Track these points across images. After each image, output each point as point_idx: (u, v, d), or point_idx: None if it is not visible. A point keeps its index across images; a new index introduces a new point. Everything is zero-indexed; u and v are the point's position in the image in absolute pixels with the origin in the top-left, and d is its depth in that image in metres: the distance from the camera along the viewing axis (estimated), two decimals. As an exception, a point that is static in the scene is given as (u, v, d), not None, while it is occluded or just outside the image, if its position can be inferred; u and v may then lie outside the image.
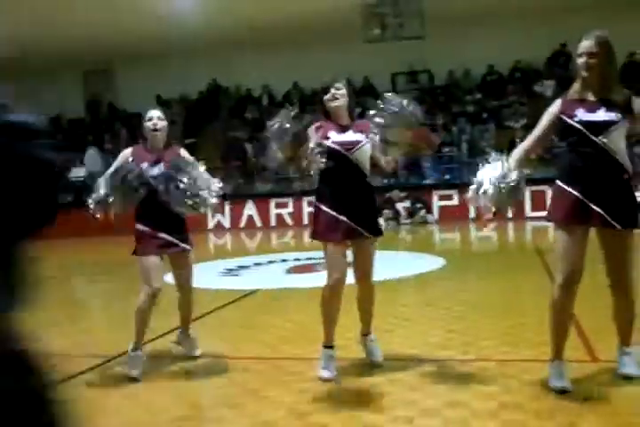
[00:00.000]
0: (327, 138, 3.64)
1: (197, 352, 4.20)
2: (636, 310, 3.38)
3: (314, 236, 3.70)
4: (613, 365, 3.48)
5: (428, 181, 15.75)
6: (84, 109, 22.06)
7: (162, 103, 21.26)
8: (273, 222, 16.56)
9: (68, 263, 11.29)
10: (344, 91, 3.72)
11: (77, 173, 18.37)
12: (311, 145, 3.43)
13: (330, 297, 3.64)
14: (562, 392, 3.17)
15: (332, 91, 3.69)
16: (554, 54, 17.37)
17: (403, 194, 14.76)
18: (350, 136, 3.66)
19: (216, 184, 3.70)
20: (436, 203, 14.96)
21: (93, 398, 3.52)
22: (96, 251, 13.50)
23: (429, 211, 14.83)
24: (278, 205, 16.50)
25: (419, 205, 14.70)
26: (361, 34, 16.61)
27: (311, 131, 3.65)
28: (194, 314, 4.25)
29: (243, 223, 16.75)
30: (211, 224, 16.94)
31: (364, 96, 19.41)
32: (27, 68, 21.01)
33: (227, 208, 16.93)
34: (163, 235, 3.89)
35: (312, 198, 3.86)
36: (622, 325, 3.42)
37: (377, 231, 3.72)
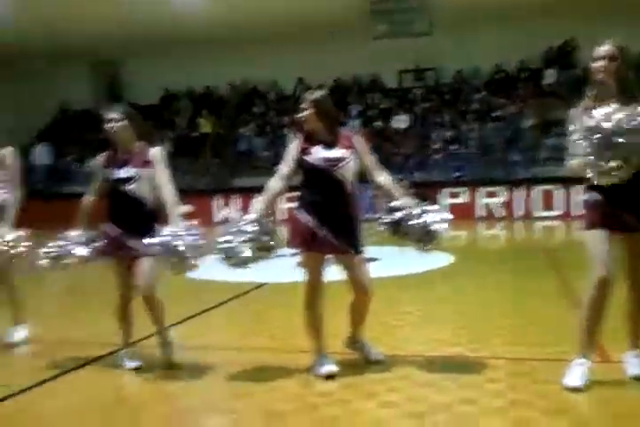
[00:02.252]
0: (310, 153, 3.62)
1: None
2: None
3: (293, 245, 3.66)
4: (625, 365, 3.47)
5: (436, 179, 15.69)
6: (91, 101, 22.01)
7: (169, 96, 21.30)
8: (280, 216, 16.55)
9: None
10: (309, 110, 3.64)
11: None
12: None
13: (307, 306, 3.69)
14: (574, 391, 3.17)
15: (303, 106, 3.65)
16: (559, 49, 17.44)
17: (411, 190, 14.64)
18: (335, 153, 3.63)
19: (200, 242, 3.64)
20: (445, 200, 14.92)
21: (107, 384, 3.55)
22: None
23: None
24: (288, 199, 16.47)
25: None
26: (368, 30, 16.55)
27: (292, 145, 3.68)
28: (202, 306, 4.25)
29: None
30: (219, 218, 16.99)
31: (371, 93, 19.41)
32: (34, 61, 21.08)
33: (235, 202, 16.97)
34: (125, 238, 3.80)
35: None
36: (634, 326, 3.42)
37: (359, 249, 3.66)
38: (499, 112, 16.89)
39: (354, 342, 3.91)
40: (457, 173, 15.70)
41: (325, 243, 3.57)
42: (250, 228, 3.52)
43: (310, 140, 3.67)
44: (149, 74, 21.08)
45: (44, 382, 3.69)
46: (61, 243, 3.91)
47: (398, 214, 3.59)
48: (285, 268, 8.00)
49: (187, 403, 3.31)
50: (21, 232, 4.31)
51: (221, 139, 19.48)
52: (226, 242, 3.51)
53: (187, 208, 4.27)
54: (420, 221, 3.55)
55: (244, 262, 3.53)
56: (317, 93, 3.70)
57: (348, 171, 3.63)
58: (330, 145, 3.64)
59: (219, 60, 20.15)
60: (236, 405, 3.24)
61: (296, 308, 4.90)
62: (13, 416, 3.23)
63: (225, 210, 10.91)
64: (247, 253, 3.47)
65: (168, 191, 3.78)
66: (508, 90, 17.42)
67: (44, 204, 15.76)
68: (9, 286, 4.55)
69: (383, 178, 3.72)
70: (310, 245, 3.59)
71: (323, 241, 3.56)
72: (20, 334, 4.57)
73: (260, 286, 6.67)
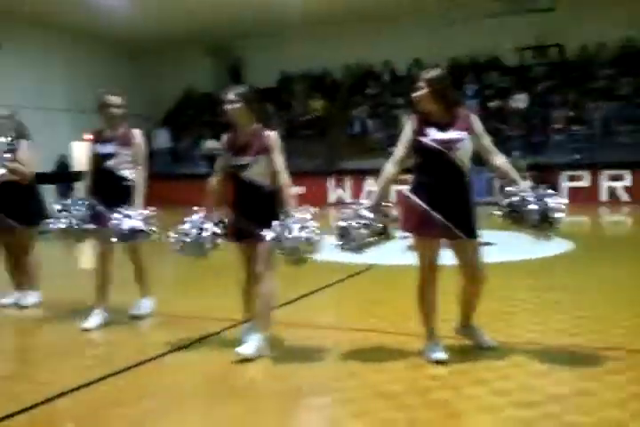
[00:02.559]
0: (425, 135, 3.53)
1: None
2: None
3: (405, 229, 3.61)
4: None
5: (556, 161, 15.04)
6: (212, 85, 22.73)
7: (285, 79, 21.62)
8: (393, 198, 16.52)
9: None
10: (423, 89, 3.53)
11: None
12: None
13: (421, 290, 3.66)
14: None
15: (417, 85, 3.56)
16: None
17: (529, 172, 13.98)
18: (451, 134, 3.51)
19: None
20: (565, 184, 14.29)
21: (214, 361, 3.71)
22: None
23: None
24: (399, 182, 16.36)
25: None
26: (485, 8, 15.97)
27: (407, 127, 3.60)
28: (312, 286, 4.25)
29: (363, 198, 16.83)
30: (332, 198, 17.19)
31: (489, 71, 18.82)
32: (158, 47, 22.00)
33: (347, 183, 17.07)
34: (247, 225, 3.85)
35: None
36: None
37: (474, 233, 3.56)
38: (625, 90, 15.92)
39: (465, 327, 3.86)
40: (578, 156, 14.98)
41: (438, 227, 3.50)
42: (366, 213, 3.52)
43: (425, 121, 3.57)
44: (268, 58, 21.48)
45: (156, 357, 3.89)
46: (193, 230, 3.90)
47: (515, 199, 3.47)
48: (395, 250, 8.00)
49: (296, 382, 3.38)
50: (151, 211, 4.45)
51: (334, 121, 19.59)
52: (342, 227, 3.53)
53: (299, 189, 4.31)
54: (538, 206, 3.40)
55: (358, 248, 3.56)
56: (433, 72, 3.55)
57: (464, 153, 3.52)
58: (445, 126, 3.52)
59: (334, 42, 20.20)
60: (347, 385, 3.28)
61: (406, 290, 4.91)
62: (123, 390, 3.44)
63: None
64: (364, 238, 3.48)
65: (283, 177, 3.83)
66: (637, 67, 16.36)
67: (164, 184, 16.56)
68: (138, 264, 4.81)
69: (500, 160, 3.60)
70: (423, 229, 3.54)
71: (435, 225, 3.50)
72: (145, 306, 4.83)
73: (370, 267, 6.71)
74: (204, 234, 3.89)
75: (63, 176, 19.38)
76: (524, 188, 3.49)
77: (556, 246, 7.56)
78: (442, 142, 3.50)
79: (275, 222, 3.60)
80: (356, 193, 16.88)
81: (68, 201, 4.59)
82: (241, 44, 22.24)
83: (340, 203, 13.65)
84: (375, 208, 3.58)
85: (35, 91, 18.59)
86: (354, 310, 5.15)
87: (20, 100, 15.26)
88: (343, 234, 3.55)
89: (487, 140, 3.62)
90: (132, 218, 4.31)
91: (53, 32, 19.38)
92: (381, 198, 3.66)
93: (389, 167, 3.67)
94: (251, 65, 22.43)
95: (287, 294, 4.66)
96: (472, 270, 3.61)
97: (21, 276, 5.34)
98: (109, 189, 4.54)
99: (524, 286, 5.71)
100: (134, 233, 4.30)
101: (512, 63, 18.83)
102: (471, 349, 3.79)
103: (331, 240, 3.57)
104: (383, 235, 3.58)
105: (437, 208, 3.50)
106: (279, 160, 3.85)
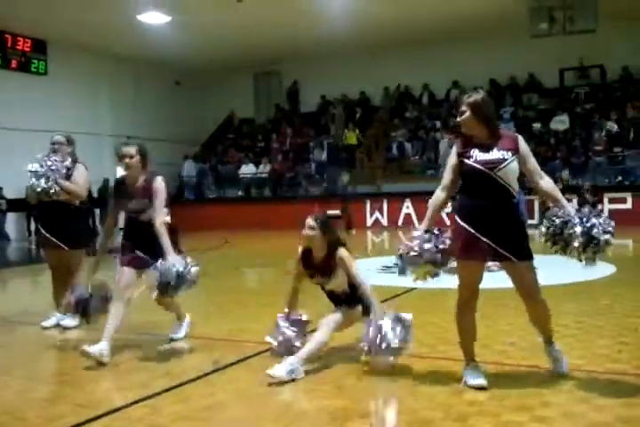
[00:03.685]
0: (469, 157, 3.51)
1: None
2: None
3: (454, 253, 3.56)
4: None
5: (598, 183, 14.80)
6: (254, 109, 23.13)
7: (325, 103, 21.82)
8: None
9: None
10: (466, 113, 3.53)
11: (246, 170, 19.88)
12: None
13: (462, 318, 3.62)
14: None
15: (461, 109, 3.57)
16: None
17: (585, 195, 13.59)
18: (494, 154, 3.48)
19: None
20: (607, 206, 14.04)
21: (254, 382, 3.71)
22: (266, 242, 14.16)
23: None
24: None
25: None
26: (527, 29, 15.92)
27: (452, 152, 3.62)
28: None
29: (400, 221, 16.78)
30: (369, 221, 17.19)
31: (528, 93, 18.70)
32: (204, 73, 22.48)
33: (384, 205, 17.05)
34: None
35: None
36: None
37: (524, 255, 3.49)
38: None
39: (546, 345, 3.76)
40: (620, 178, 14.72)
41: (484, 250, 3.45)
42: (427, 244, 3.53)
43: (469, 143, 3.57)
44: (309, 83, 21.80)
45: (193, 379, 3.92)
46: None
47: (558, 221, 3.41)
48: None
49: (333, 405, 3.35)
50: (185, 257, 4.30)
51: (373, 145, 19.67)
52: (404, 255, 3.58)
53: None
54: (582, 228, 3.34)
55: (423, 276, 3.61)
56: (476, 95, 3.55)
57: (509, 173, 3.47)
58: (489, 147, 3.51)
59: (372, 66, 20.41)
60: (383, 409, 3.25)
61: (444, 314, 4.85)
62: (160, 412, 3.46)
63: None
64: (425, 265, 3.55)
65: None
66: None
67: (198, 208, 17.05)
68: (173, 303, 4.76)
69: (546, 182, 3.56)
70: (467, 252, 3.48)
71: (481, 248, 3.45)
72: (180, 329, 4.86)
73: (409, 290, 6.65)
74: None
75: (107, 200, 19.85)
76: (568, 210, 3.44)
77: (598, 270, 7.40)
78: (485, 163, 3.47)
79: None
80: (394, 216, 16.85)
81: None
82: (283, 68, 22.60)
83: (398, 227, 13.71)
84: (431, 236, 3.57)
85: (81, 116, 19.10)
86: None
87: (67, 126, 15.70)
88: (406, 261, 3.59)
89: (532, 161, 3.58)
90: (174, 268, 4.15)
91: (100, 58, 19.97)
92: (431, 225, 3.64)
93: (438, 193, 3.66)
94: (293, 91, 22.79)
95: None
96: (527, 291, 3.56)
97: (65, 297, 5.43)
98: (138, 236, 4.47)
99: (567, 311, 5.59)
100: (179, 284, 4.14)
101: (552, 84, 18.72)
102: (512, 374, 3.72)
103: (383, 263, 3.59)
104: (442, 263, 3.57)
105: (483, 231, 3.45)
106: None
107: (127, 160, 4.45)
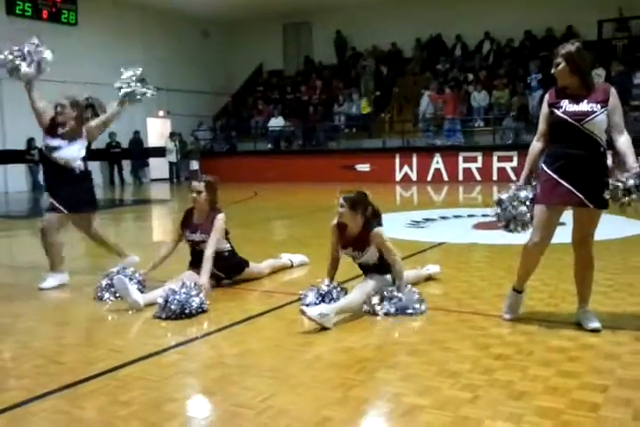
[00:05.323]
0: (559, 107, 3.56)
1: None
2: None
3: (536, 200, 3.64)
4: None
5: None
6: (283, 61, 22.81)
7: (354, 55, 21.44)
8: (460, 177, 16.29)
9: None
10: (561, 64, 3.56)
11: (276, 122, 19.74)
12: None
13: (527, 255, 3.70)
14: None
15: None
16: None
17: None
18: (583, 106, 3.52)
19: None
20: None
21: (283, 331, 3.78)
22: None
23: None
24: (466, 160, 16.13)
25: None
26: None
27: (544, 102, 3.66)
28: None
29: (430, 176, 16.67)
30: (398, 176, 17.10)
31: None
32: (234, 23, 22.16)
33: (414, 160, 16.91)
34: None
35: (502, 153, 3.80)
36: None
37: (601, 203, 3.54)
38: None
39: (579, 305, 3.82)
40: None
41: (564, 195, 3.52)
42: (524, 193, 3.64)
43: (561, 94, 3.61)
44: (336, 33, 21.37)
45: (225, 327, 4.00)
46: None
47: (630, 181, 3.36)
48: (462, 228, 7.91)
49: (361, 355, 3.40)
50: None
51: (403, 99, 19.36)
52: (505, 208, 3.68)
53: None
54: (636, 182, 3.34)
55: (522, 227, 3.69)
56: (569, 46, 3.59)
57: (596, 125, 3.51)
58: (580, 98, 3.54)
59: (402, 17, 19.93)
60: (411, 361, 3.29)
61: (471, 268, 4.83)
62: (192, 358, 3.55)
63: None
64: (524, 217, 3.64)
65: None
66: None
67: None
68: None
69: (623, 139, 3.55)
70: (548, 197, 3.57)
71: (561, 193, 3.52)
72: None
73: (437, 245, 6.65)
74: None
75: (138, 153, 19.98)
76: (630, 165, 3.42)
77: (630, 228, 7.32)
78: (574, 114, 3.52)
79: None
80: (423, 171, 16.73)
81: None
82: (313, 19, 22.20)
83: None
84: (526, 185, 3.68)
85: (112, 67, 19.06)
86: (419, 287, 5.12)
87: (97, 77, 15.68)
88: (506, 216, 3.68)
89: (618, 117, 3.58)
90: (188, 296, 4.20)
91: (129, 8, 19.80)
92: (531, 174, 3.72)
93: (534, 143, 3.73)
94: (322, 42, 22.36)
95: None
96: (585, 239, 3.67)
97: (108, 246, 5.64)
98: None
99: (597, 268, 5.48)
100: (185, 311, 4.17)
101: (591, 37, 18.12)
102: (539, 330, 3.73)
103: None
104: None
105: (567, 177, 3.52)
106: None
107: (195, 195, 4.70)
